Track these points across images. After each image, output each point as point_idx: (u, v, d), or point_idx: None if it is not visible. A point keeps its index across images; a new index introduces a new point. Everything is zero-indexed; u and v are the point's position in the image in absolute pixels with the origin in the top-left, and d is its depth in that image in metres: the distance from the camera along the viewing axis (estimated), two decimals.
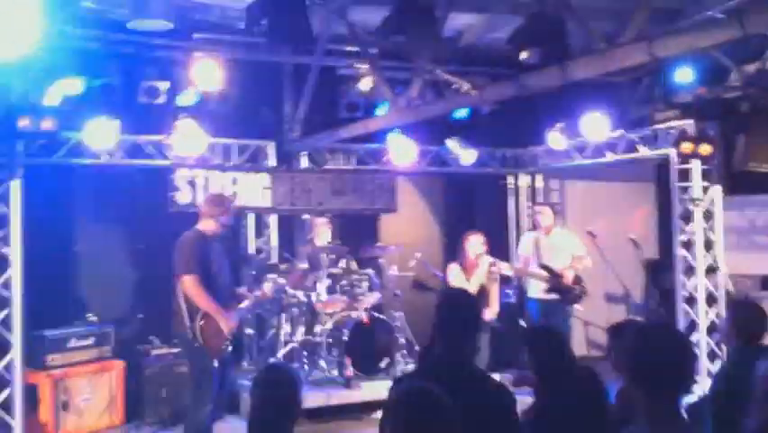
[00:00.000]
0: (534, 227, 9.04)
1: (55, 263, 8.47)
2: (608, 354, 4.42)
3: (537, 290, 8.52)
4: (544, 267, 8.42)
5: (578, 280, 8.45)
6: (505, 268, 8.56)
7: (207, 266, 6.27)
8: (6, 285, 7.08)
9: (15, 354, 7.06)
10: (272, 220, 9.79)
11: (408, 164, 9.88)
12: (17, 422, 7.03)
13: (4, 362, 7.03)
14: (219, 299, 6.26)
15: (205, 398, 6.19)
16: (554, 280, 8.34)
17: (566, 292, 8.34)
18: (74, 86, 7.72)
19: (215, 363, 6.23)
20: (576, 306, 8.43)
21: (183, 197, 8.64)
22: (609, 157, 9.69)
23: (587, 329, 10.62)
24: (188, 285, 6.14)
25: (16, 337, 7.07)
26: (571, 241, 8.69)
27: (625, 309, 10.13)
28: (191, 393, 6.39)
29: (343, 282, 8.85)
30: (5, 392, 7.00)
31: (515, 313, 10.32)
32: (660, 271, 9.65)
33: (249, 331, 9.39)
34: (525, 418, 3.90)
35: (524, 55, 6.09)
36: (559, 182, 11.24)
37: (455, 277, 7.76)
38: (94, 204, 8.90)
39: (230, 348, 6.37)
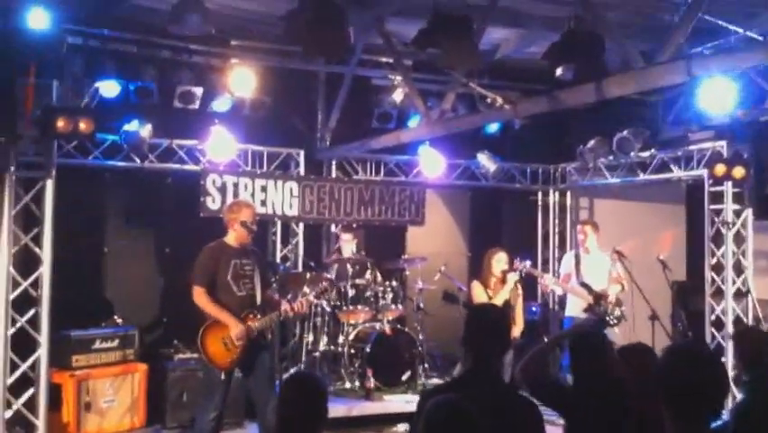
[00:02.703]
0: (576, 246, 8.92)
1: (84, 264, 8.54)
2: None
3: (576, 308, 8.39)
4: (584, 285, 8.31)
5: (619, 302, 8.32)
6: (550, 282, 8.47)
7: (222, 277, 6.24)
8: (35, 284, 7.10)
9: (42, 353, 7.08)
10: (299, 229, 9.80)
11: (437, 177, 9.88)
12: (41, 421, 7.04)
13: (31, 361, 7.05)
14: (234, 311, 6.24)
15: (209, 406, 6.20)
16: (597, 299, 8.22)
17: (606, 313, 8.20)
18: (111, 88, 7.84)
19: (221, 375, 6.21)
20: (615, 329, 8.27)
21: (213, 202, 8.68)
22: (641, 176, 9.61)
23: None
24: (196, 296, 6.19)
25: (43, 337, 7.09)
26: (609, 262, 8.52)
27: (651, 331, 10.01)
28: (200, 401, 6.48)
29: (368, 294, 8.84)
30: (30, 391, 7.02)
31: (539, 330, 10.26)
32: (688, 294, 9.52)
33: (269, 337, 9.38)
34: None
35: (559, 71, 6.07)
36: (588, 200, 11.15)
37: (478, 293, 7.69)
38: (125, 206, 8.96)
39: (238, 360, 6.25)
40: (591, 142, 9.25)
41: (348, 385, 8.58)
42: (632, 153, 9.03)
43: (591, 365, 4.00)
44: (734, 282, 8.67)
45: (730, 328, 8.58)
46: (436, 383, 8.03)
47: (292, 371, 8.57)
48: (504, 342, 3.80)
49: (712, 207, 8.78)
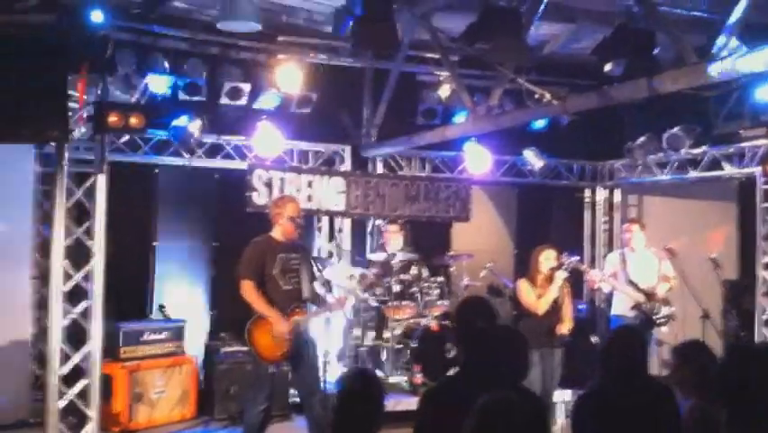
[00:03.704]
0: (623, 245, 8.80)
1: (134, 258, 8.67)
2: (672, 374, 4.26)
3: (623, 306, 8.28)
4: (631, 284, 8.20)
5: (667, 301, 8.20)
6: (597, 277, 8.38)
7: (268, 271, 6.30)
8: (88, 277, 7.21)
9: (94, 345, 7.19)
10: (345, 224, 9.83)
11: (483, 173, 9.83)
12: (93, 412, 7.16)
13: (83, 353, 7.17)
14: (280, 304, 6.29)
15: (258, 399, 6.27)
16: (644, 298, 8.10)
17: (654, 312, 8.08)
18: (160, 84, 7.94)
19: (270, 369, 6.26)
20: (663, 328, 8.14)
21: (259, 197, 8.75)
22: (692, 174, 9.45)
23: (661, 349, 10.36)
24: (243, 290, 6.24)
25: (96, 329, 7.20)
26: (657, 260, 8.39)
27: (701, 330, 9.85)
28: (248, 393, 6.54)
29: (414, 289, 8.82)
30: (83, 382, 7.14)
31: (587, 329, 10.15)
32: (740, 293, 9.35)
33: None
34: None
35: (608, 66, 6.00)
36: (637, 197, 10.99)
37: (526, 292, 7.60)
38: (174, 201, 9.08)
39: (286, 354, 6.30)
40: (641, 139, 9.11)
41: (394, 380, 8.59)
42: (682, 150, 8.88)
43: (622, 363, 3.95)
44: None
45: None
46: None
47: (341, 366, 8.61)
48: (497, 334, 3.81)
49: (765, 204, 8.60)
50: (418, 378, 8.32)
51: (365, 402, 3.54)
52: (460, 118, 9.24)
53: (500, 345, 3.73)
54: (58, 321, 6.98)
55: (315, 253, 9.57)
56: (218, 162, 8.92)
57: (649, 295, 8.09)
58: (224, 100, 8.39)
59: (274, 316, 6.21)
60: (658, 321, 8.08)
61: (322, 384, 6.50)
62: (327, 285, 6.92)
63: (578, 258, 7.78)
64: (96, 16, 6.14)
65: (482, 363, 3.65)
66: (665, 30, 5.54)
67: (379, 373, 8.56)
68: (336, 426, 3.53)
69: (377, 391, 3.62)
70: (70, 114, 6.65)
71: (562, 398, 7.11)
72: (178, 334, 8.29)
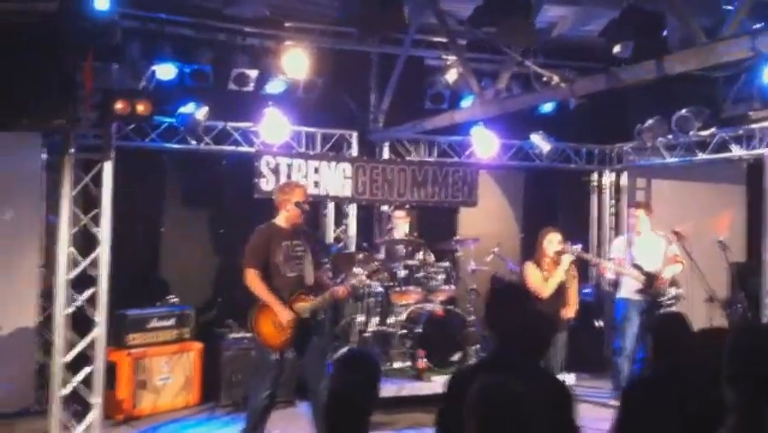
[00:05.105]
0: (628, 229, 8.77)
1: (141, 245, 8.68)
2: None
3: (629, 289, 8.28)
4: (636, 267, 8.19)
5: (675, 282, 8.18)
6: (605, 266, 8.38)
7: (273, 258, 6.27)
8: (94, 264, 7.22)
9: (99, 332, 7.21)
10: (352, 210, 9.82)
11: (490, 158, 9.80)
12: (97, 400, 7.18)
13: (88, 339, 7.18)
14: (284, 292, 6.28)
15: (262, 385, 6.27)
16: (650, 281, 8.10)
17: (659, 294, 8.08)
18: (167, 71, 7.92)
19: (274, 355, 6.26)
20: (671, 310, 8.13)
21: (267, 183, 8.74)
22: (700, 156, 9.40)
23: None
24: (248, 278, 6.23)
25: (101, 316, 7.22)
26: (664, 243, 8.38)
27: (708, 313, 9.84)
28: (253, 380, 6.56)
29: (419, 274, 8.81)
30: (87, 369, 7.16)
31: (592, 313, 10.15)
32: (747, 275, 9.33)
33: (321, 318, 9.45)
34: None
35: (617, 48, 5.95)
36: (645, 181, 10.94)
37: (532, 274, 7.60)
38: (181, 188, 9.08)
39: (290, 341, 6.29)
40: (650, 121, 9.05)
41: (399, 365, 8.57)
42: (691, 132, 8.82)
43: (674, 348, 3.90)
44: None
45: None
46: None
47: (343, 350, 8.62)
48: (529, 320, 3.76)
49: None
50: (423, 363, 8.33)
51: (360, 383, 3.52)
52: (467, 102, 9.20)
53: (524, 329, 3.71)
54: (63, 308, 7.00)
55: (320, 239, 9.56)
56: (226, 148, 8.90)
57: (652, 278, 8.08)
58: (231, 86, 8.37)
59: (277, 305, 6.21)
60: (664, 303, 8.07)
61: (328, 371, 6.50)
62: (334, 271, 6.90)
63: (580, 246, 7.76)
64: (102, 3, 6.12)
65: (507, 348, 3.62)
66: (674, 11, 5.48)
67: (384, 358, 8.57)
68: (331, 406, 3.51)
69: (373, 371, 3.61)
70: (77, 101, 6.65)
71: (566, 381, 7.10)
72: (184, 321, 8.32)
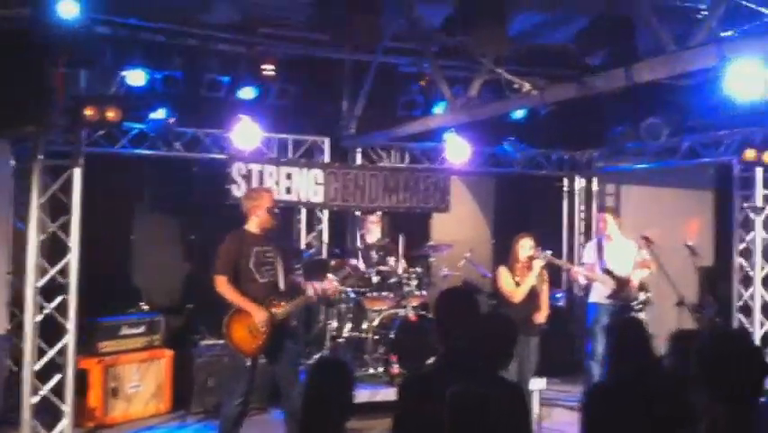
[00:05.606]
0: (597, 233, 8.85)
1: (111, 252, 8.60)
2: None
3: (600, 294, 8.36)
4: (607, 272, 8.27)
5: (643, 287, 8.26)
6: (576, 271, 8.45)
7: (244, 264, 6.25)
8: (63, 272, 7.15)
9: (69, 339, 7.14)
10: (324, 216, 9.80)
11: (462, 164, 9.84)
12: (68, 407, 7.11)
13: (58, 347, 7.11)
14: (257, 297, 6.26)
15: (235, 392, 6.24)
16: (620, 285, 8.17)
17: (630, 298, 8.15)
18: (137, 77, 7.85)
19: (247, 362, 6.24)
20: (640, 315, 8.20)
21: (238, 190, 8.70)
22: (669, 162, 9.51)
23: None
24: (218, 284, 6.20)
25: (71, 323, 7.15)
26: (634, 248, 8.47)
27: (677, 317, 9.95)
28: (225, 386, 6.53)
29: (392, 280, 8.83)
30: (57, 377, 7.08)
31: (564, 317, 10.22)
32: (716, 280, 9.46)
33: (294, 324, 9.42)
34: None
35: (588, 56, 6.01)
36: (615, 186, 11.06)
37: (504, 279, 7.65)
38: (151, 195, 9.01)
39: (263, 347, 6.27)
40: (619, 128, 9.14)
41: (372, 371, 8.57)
42: (660, 139, 8.91)
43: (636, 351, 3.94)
44: (763, 268, 8.60)
45: (758, 315, 8.50)
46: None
47: (317, 357, 8.61)
48: (489, 325, 3.78)
49: (741, 192, 8.68)
50: (396, 369, 8.33)
51: (335, 390, 3.52)
52: (439, 109, 9.22)
53: (485, 334, 3.73)
54: (32, 316, 6.91)
55: (293, 245, 9.55)
56: (197, 155, 8.83)
57: (623, 282, 8.16)
58: (203, 92, 8.32)
59: (251, 306, 6.20)
60: (635, 307, 8.15)
61: (301, 377, 6.48)
62: (306, 277, 6.88)
63: (551, 252, 7.82)
64: (70, 9, 6.04)
65: (463, 353, 3.63)
66: (643, 19, 5.54)
67: (357, 363, 8.57)
68: (306, 413, 3.51)
69: (347, 378, 3.61)
70: (48, 108, 6.57)
71: (538, 386, 7.17)
72: (154, 328, 8.27)
